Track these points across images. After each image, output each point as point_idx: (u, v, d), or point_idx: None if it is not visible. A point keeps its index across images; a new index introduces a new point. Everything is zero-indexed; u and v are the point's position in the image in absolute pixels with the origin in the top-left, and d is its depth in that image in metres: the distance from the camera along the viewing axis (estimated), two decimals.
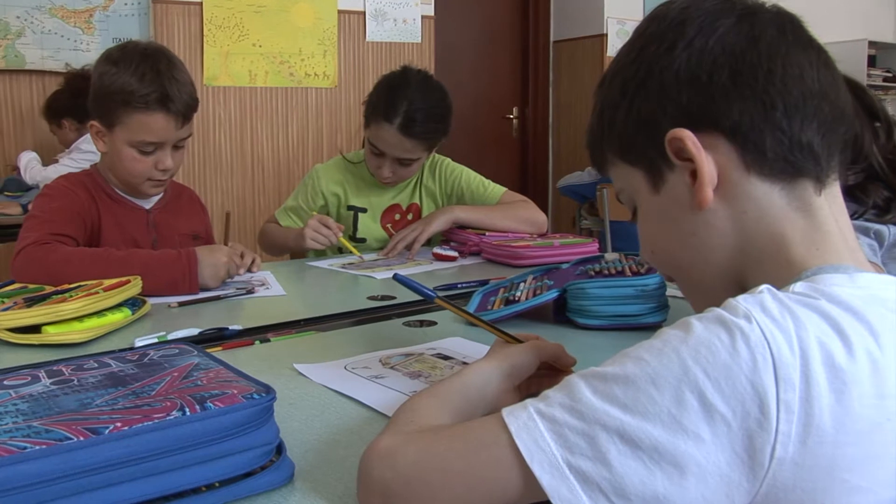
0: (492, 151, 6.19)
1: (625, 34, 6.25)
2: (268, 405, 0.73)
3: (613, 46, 6.20)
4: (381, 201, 2.28)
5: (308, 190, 2.27)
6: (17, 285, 1.48)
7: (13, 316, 1.23)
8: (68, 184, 1.79)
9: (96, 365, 0.83)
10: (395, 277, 1.10)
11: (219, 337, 1.27)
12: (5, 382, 0.78)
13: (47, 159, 4.15)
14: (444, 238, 2.18)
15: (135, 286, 1.40)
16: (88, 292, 1.31)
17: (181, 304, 1.50)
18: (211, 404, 0.70)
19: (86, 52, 4.36)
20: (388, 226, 2.28)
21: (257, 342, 1.25)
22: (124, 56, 1.72)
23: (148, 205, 1.88)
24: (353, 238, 2.25)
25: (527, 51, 6.44)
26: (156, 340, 1.22)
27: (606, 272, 1.46)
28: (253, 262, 1.82)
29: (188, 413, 0.69)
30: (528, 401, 0.65)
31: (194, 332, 1.26)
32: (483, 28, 6.18)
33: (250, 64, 4.73)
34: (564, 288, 1.39)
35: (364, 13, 5.07)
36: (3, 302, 1.36)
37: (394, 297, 1.59)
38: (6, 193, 3.55)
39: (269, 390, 0.74)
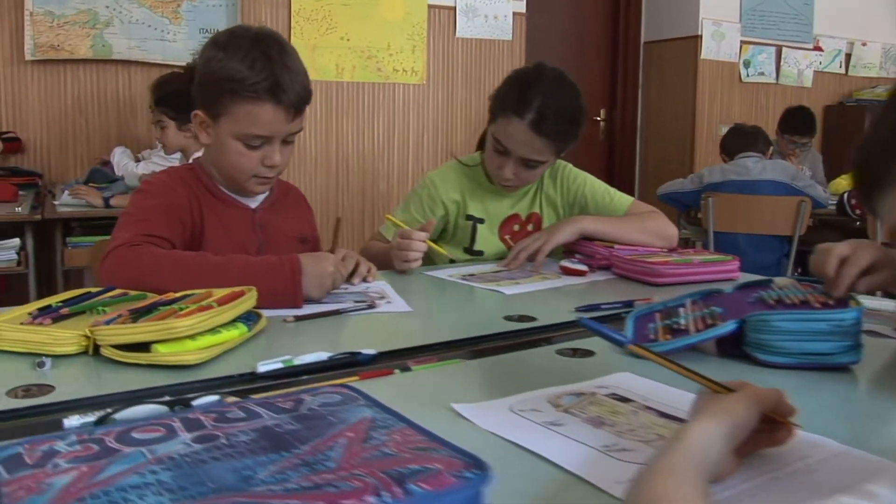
0: (577, 154, 5.88)
1: (720, 36, 5.98)
2: (483, 487, 0.55)
3: (708, 49, 5.94)
4: (500, 209, 2.08)
5: (423, 200, 2.07)
6: (116, 292, 1.33)
7: (120, 331, 1.07)
8: (168, 179, 1.64)
9: (243, 414, 0.66)
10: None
11: (351, 363, 1.09)
12: (135, 435, 0.61)
13: (133, 150, 4.06)
14: (568, 249, 1.98)
15: (250, 299, 1.24)
16: (201, 305, 1.15)
17: (297, 319, 1.33)
18: (415, 486, 0.52)
19: (172, 42, 4.27)
20: (507, 237, 2.08)
21: (398, 371, 1.07)
22: (233, 41, 1.56)
23: (253, 204, 1.72)
24: (469, 251, 2.06)
25: (616, 51, 6.20)
26: (281, 365, 1.05)
27: (788, 301, 1.26)
28: (369, 270, 1.65)
29: (388, 499, 0.51)
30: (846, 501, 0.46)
31: (323, 356, 1.08)
32: (572, 27, 5.97)
33: (338, 58, 4.59)
34: (744, 319, 1.19)
35: (455, 8, 4.90)
36: (103, 312, 1.21)
37: (533, 318, 1.39)
38: (91, 185, 3.45)
39: (480, 465, 0.56)
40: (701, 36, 5.90)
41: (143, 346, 1.07)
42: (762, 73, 6.29)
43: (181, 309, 1.14)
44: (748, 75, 6.21)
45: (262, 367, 1.04)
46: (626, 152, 6.25)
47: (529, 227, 2.08)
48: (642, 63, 6.27)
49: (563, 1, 5.82)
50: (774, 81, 6.35)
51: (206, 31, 4.32)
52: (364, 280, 1.63)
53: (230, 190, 1.68)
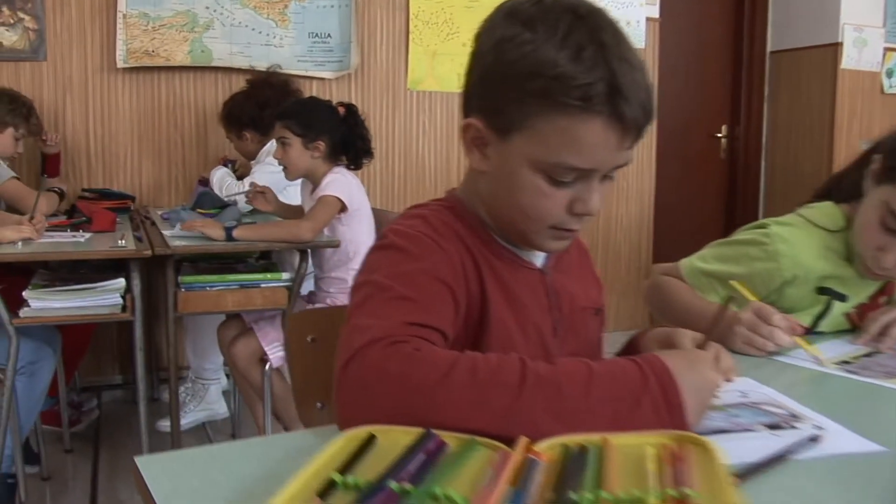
0: (697, 173, 5.42)
1: (862, 43, 5.36)
2: None
3: (849, 57, 5.31)
4: (864, 290, 1.49)
5: (757, 267, 1.47)
6: (435, 439, 0.77)
7: None
8: (429, 229, 1.06)
9: None
10: None
11: None
12: None
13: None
14: None
15: (717, 460, 0.68)
16: (670, 496, 0.59)
17: (739, 476, 0.76)
18: None
19: (278, 47, 3.77)
20: (852, 311, 1.49)
21: None
22: (544, 15, 0.98)
23: (538, 261, 1.16)
24: (810, 331, 1.45)
25: (739, 62, 5.61)
26: None
27: None
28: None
29: None
30: None
31: None
32: (698, 34, 5.41)
33: (459, 66, 4.00)
34: None
35: None
36: (448, 501, 0.64)
37: None
38: (199, 211, 2.93)
39: None
40: (842, 43, 5.29)
41: None
42: None
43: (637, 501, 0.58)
44: (890, 86, 5.58)
45: None
46: (749, 171, 5.63)
47: (882, 301, 1.48)
48: (768, 74, 5.67)
49: (689, 7, 5.26)
50: None
51: (316, 35, 3.81)
52: (726, 379, 1.05)
53: (507, 241, 1.13)
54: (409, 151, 3.99)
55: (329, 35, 3.83)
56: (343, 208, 2.62)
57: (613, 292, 4.55)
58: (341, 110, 2.73)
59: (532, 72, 0.96)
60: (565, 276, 1.18)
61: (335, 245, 2.59)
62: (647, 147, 4.70)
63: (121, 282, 2.42)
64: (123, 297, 2.44)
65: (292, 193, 3.13)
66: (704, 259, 1.51)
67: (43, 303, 2.32)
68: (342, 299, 2.69)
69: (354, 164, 2.76)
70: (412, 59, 3.97)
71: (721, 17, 5.54)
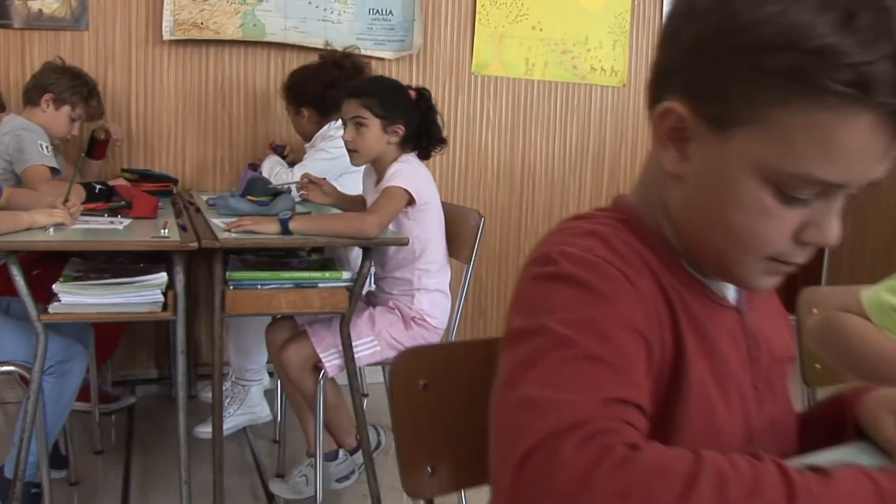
0: None
1: None
2: None
3: None
4: None
5: None
6: None
7: None
8: (613, 256, 0.76)
9: None
10: None
11: None
12: None
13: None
14: None
15: None
16: None
17: None
18: None
19: (336, 23, 3.50)
20: None
21: None
22: None
23: (731, 295, 0.87)
24: None
25: None
26: None
27: None
28: None
29: None
30: None
31: None
32: None
33: (527, 51, 3.76)
34: None
35: None
36: None
37: None
38: (250, 198, 2.65)
39: None
40: None
41: None
42: None
43: None
44: None
45: None
46: None
47: None
48: None
49: None
50: None
51: (377, 11, 3.53)
52: None
53: (696, 269, 0.84)
54: (472, 140, 3.71)
55: (390, 12, 3.55)
56: (411, 201, 2.34)
57: None
58: (412, 94, 2.45)
59: (778, 41, 0.67)
60: (759, 315, 0.89)
61: (403, 242, 2.30)
62: None
63: (163, 276, 2.16)
64: (164, 293, 2.17)
65: (348, 183, 2.86)
66: (895, 292, 1.21)
67: (75, 298, 2.06)
68: (406, 302, 2.41)
69: (425, 153, 2.48)
70: (478, 41, 3.67)
71: None
